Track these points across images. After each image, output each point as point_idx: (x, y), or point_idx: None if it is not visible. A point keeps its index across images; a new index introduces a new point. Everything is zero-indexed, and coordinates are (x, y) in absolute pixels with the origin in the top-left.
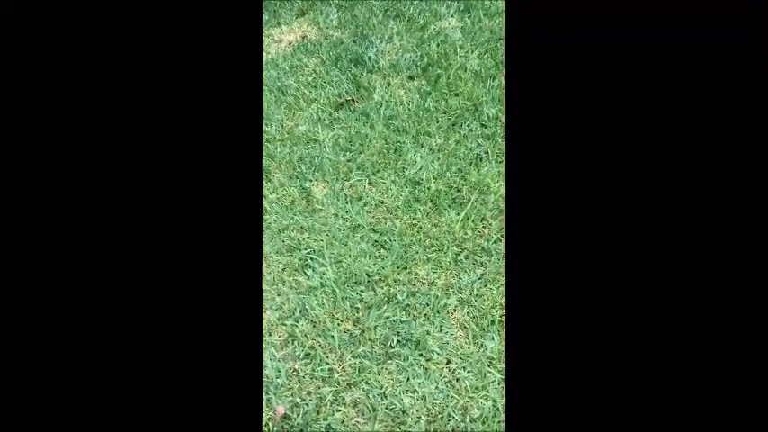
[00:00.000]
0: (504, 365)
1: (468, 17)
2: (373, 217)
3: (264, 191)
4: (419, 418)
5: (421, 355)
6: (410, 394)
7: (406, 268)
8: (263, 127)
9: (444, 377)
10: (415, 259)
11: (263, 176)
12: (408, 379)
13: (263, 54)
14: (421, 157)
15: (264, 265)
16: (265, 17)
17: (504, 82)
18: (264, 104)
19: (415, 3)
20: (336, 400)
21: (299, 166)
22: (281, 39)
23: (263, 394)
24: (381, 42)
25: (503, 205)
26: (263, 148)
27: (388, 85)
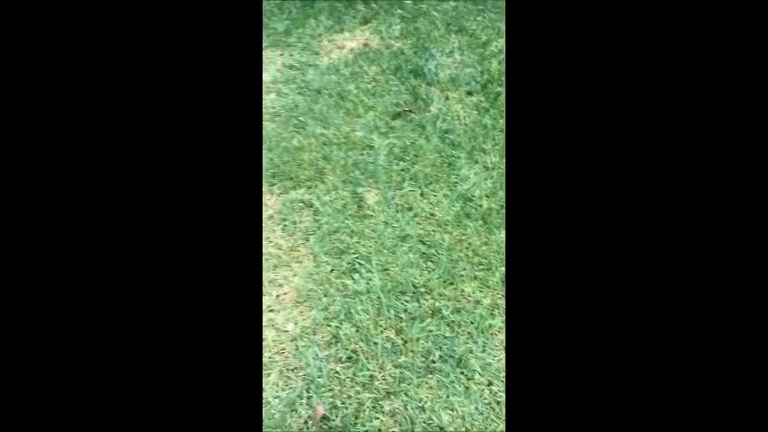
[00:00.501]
0: None
1: None
2: (423, 228)
3: (318, 192)
4: None
5: (462, 373)
6: (449, 411)
7: (452, 283)
8: (322, 130)
9: (485, 399)
10: (462, 275)
11: (319, 178)
12: (448, 396)
13: (325, 58)
14: (475, 173)
15: (313, 264)
16: (330, 22)
17: None
18: (324, 108)
19: (479, 19)
20: (375, 407)
21: (353, 171)
22: (343, 45)
23: (304, 392)
24: (442, 56)
25: None
26: (320, 150)
27: (446, 98)
